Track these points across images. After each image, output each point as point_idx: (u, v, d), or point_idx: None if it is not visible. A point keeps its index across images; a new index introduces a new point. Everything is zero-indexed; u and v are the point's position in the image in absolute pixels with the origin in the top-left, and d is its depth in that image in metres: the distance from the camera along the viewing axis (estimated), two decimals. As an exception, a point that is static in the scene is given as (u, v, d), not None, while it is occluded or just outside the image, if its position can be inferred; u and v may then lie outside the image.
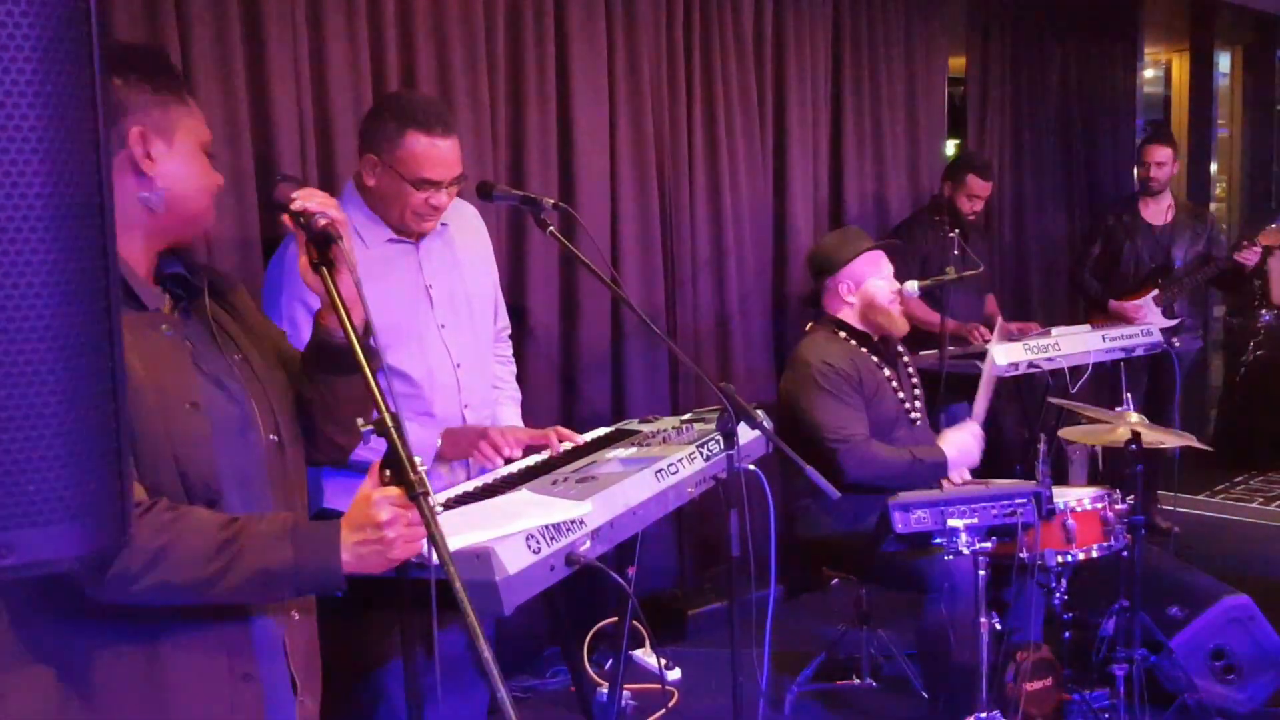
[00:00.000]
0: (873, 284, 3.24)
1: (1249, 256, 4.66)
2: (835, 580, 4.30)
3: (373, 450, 1.45)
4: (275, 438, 1.53)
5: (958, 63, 5.52)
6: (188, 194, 1.48)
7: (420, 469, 1.33)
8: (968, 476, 3.27)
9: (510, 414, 2.71)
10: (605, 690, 3.29)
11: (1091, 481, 4.82)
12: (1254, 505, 5.73)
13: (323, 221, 1.48)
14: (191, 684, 1.40)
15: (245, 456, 1.49)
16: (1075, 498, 2.88)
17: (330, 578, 1.40)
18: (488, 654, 1.21)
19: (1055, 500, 2.77)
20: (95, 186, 0.56)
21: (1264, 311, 6.36)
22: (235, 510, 1.44)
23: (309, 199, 1.51)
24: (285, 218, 1.52)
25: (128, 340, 1.33)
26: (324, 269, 1.48)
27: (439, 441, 2.42)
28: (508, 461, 2.36)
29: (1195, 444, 3.08)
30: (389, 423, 1.34)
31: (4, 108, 0.53)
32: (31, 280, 0.54)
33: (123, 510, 0.59)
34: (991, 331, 4.50)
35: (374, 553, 1.41)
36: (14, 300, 0.54)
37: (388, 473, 1.38)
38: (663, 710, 3.41)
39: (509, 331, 2.82)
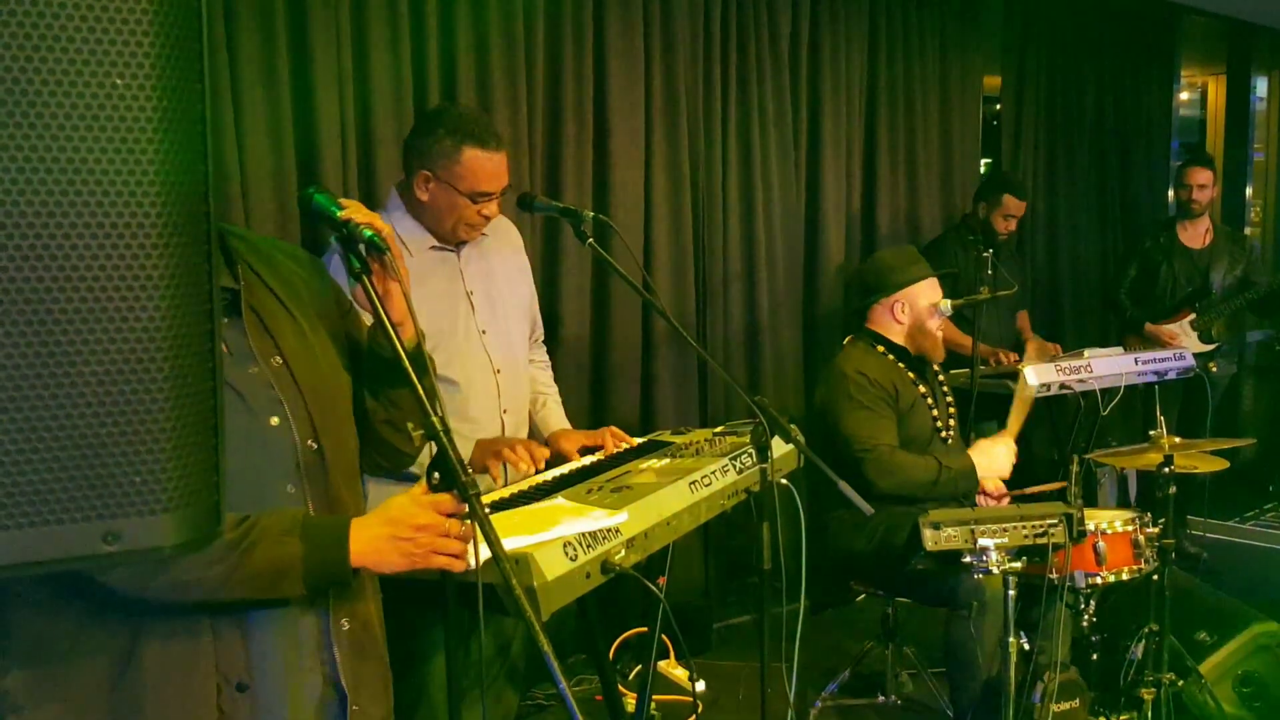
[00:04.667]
0: (924, 308, 3.30)
1: None
2: (861, 595, 4.30)
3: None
4: (314, 445, 1.47)
5: (993, 82, 5.52)
6: None
7: (471, 470, 1.35)
8: (1003, 490, 3.27)
9: (559, 417, 2.76)
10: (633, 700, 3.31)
11: (1120, 504, 4.79)
12: (1283, 532, 5.66)
13: (369, 233, 1.47)
14: (168, 690, 1.36)
15: (263, 463, 1.44)
16: (1106, 520, 2.87)
17: (337, 569, 1.41)
18: (548, 648, 1.24)
19: (1086, 522, 2.77)
20: (203, 193, 0.59)
21: None
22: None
23: (355, 211, 1.50)
24: (332, 231, 1.51)
25: None
26: (366, 280, 1.47)
27: (469, 452, 2.45)
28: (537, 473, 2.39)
29: (1225, 465, 3.08)
30: (438, 427, 1.36)
31: (126, 114, 0.56)
32: (144, 281, 0.57)
33: (217, 503, 0.62)
34: (1018, 351, 4.50)
35: (397, 550, 1.41)
36: (128, 300, 0.57)
37: (436, 476, 1.39)
38: (687, 721, 3.42)
39: (542, 337, 2.86)
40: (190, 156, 0.59)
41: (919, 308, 3.29)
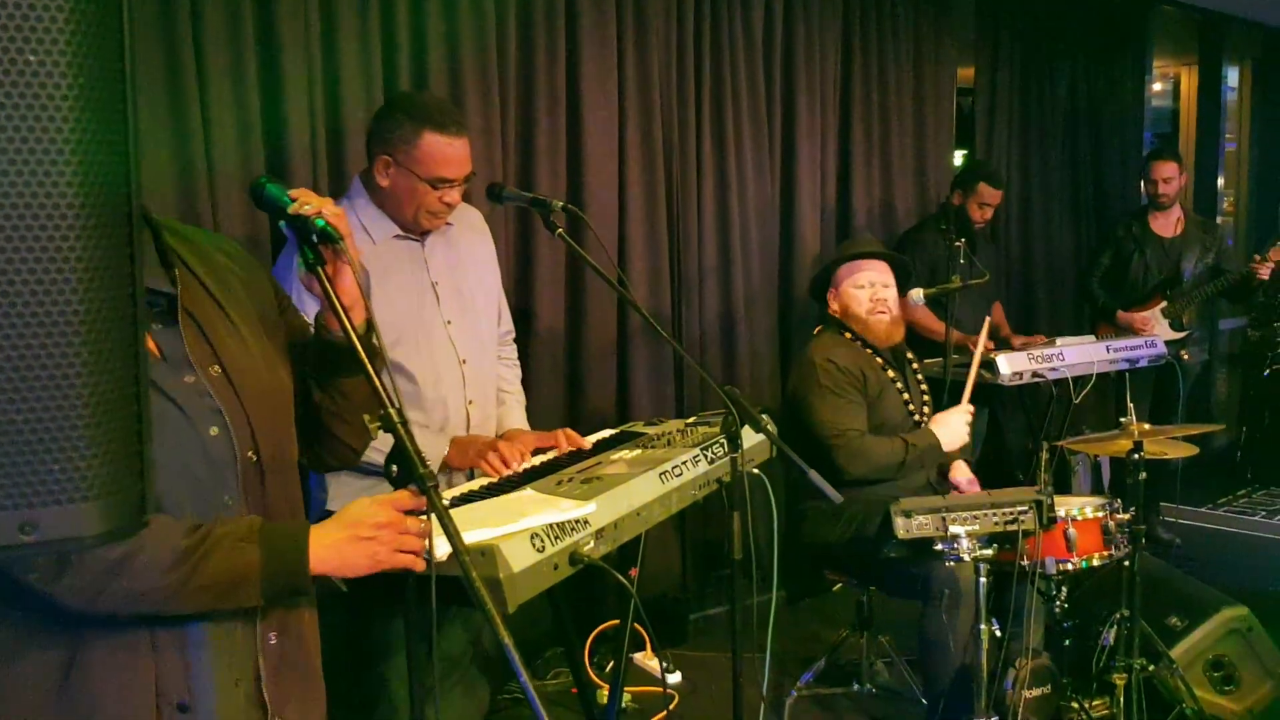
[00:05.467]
0: (848, 291, 3.31)
1: (1262, 271, 4.68)
2: (838, 585, 4.31)
3: (377, 451, 1.44)
4: (254, 456, 1.43)
5: (966, 73, 5.53)
6: None
7: (428, 464, 1.33)
8: (975, 484, 3.29)
9: (516, 417, 2.73)
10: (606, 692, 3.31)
11: (1095, 491, 4.82)
12: (1257, 518, 5.71)
13: (320, 222, 1.44)
14: (108, 711, 1.33)
15: (202, 476, 1.40)
16: (1077, 506, 2.89)
17: (296, 577, 1.38)
18: (509, 642, 1.22)
19: (1057, 509, 2.79)
20: (126, 175, 0.58)
21: None
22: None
23: (306, 199, 1.46)
24: (282, 220, 1.47)
25: None
26: (320, 269, 1.43)
27: (446, 449, 2.43)
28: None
29: (1195, 450, 3.11)
30: (395, 419, 1.35)
31: (39, 101, 0.54)
32: (62, 268, 0.55)
33: (142, 493, 0.60)
34: (994, 341, 4.52)
35: (359, 552, 1.39)
36: (45, 287, 0.56)
37: (394, 468, 1.38)
38: (662, 713, 3.42)
39: (513, 335, 2.84)
40: (111, 139, 0.58)
41: (845, 294, 3.33)
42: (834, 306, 3.37)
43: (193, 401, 1.39)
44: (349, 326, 1.40)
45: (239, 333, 1.47)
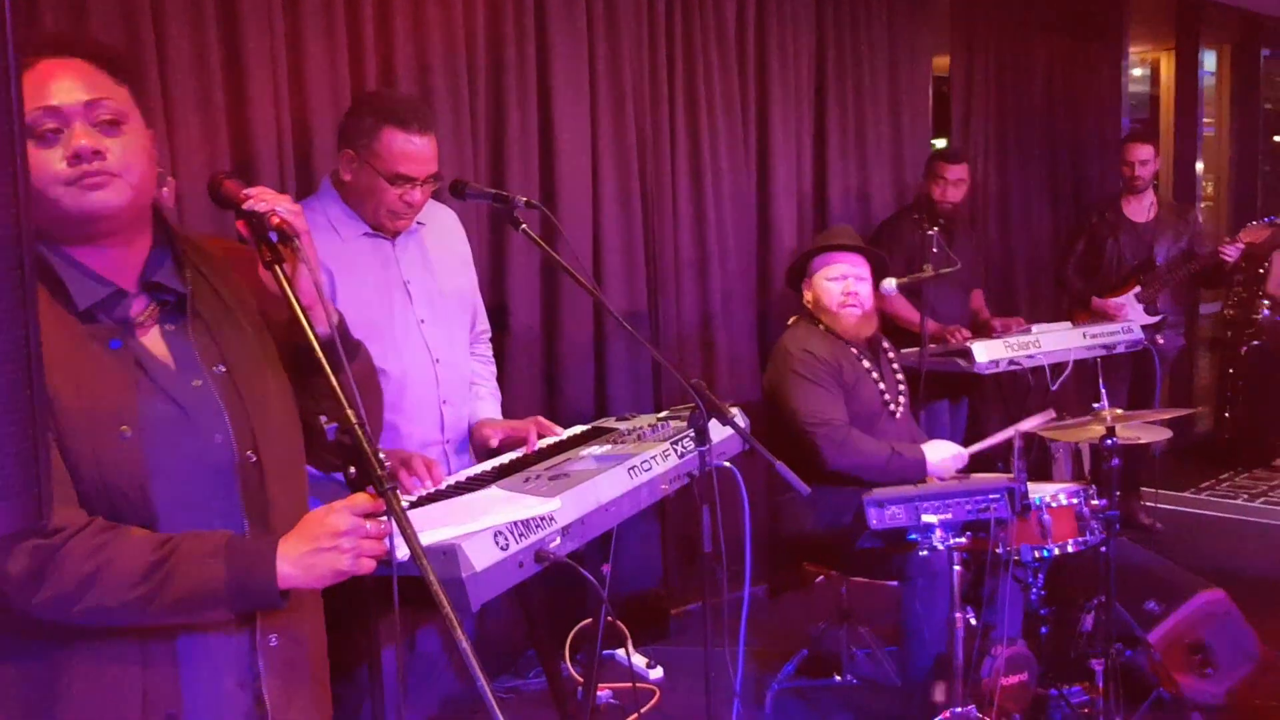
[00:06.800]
0: (820, 283, 3.31)
1: (1231, 252, 4.70)
2: (820, 577, 4.31)
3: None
4: (253, 456, 1.44)
5: (942, 62, 5.53)
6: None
7: (387, 465, 1.32)
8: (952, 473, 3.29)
9: (490, 409, 2.72)
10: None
11: (1076, 479, 4.83)
12: (1238, 502, 5.75)
13: (276, 220, 1.43)
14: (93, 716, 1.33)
15: (202, 480, 1.41)
16: (1050, 493, 2.89)
17: (265, 594, 1.37)
18: (465, 645, 1.21)
19: (1030, 495, 2.79)
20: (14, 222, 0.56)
21: (1265, 306, 6.36)
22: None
23: (261, 196, 1.46)
24: (239, 221, 1.47)
25: (58, 356, 1.31)
26: (278, 268, 1.42)
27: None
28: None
29: (1169, 434, 3.11)
30: (353, 420, 1.33)
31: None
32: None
33: (39, 492, 0.59)
34: (972, 329, 4.52)
35: (324, 563, 1.37)
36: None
37: (352, 470, 1.37)
38: (643, 709, 3.41)
39: (489, 335, 2.82)
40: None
41: (818, 286, 3.33)
42: (807, 297, 3.37)
43: (200, 407, 1.41)
44: (307, 326, 1.39)
45: (245, 333, 1.50)
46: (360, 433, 1.35)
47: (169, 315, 1.45)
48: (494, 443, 2.52)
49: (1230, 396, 6.55)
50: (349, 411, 1.35)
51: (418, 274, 2.48)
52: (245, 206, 1.45)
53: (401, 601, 1.37)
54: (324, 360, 1.38)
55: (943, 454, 3.17)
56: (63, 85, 1.35)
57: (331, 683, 1.67)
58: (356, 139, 2.33)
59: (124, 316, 1.41)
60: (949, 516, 2.61)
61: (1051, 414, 3.24)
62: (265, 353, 1.52)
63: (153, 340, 1.43)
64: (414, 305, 2.45)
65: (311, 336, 1.39)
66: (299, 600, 1.47)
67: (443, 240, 2.59)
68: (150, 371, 1.40)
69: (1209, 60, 7.38)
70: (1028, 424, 3.16)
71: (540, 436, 2.50)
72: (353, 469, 1.39)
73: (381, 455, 1.36)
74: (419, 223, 2.48)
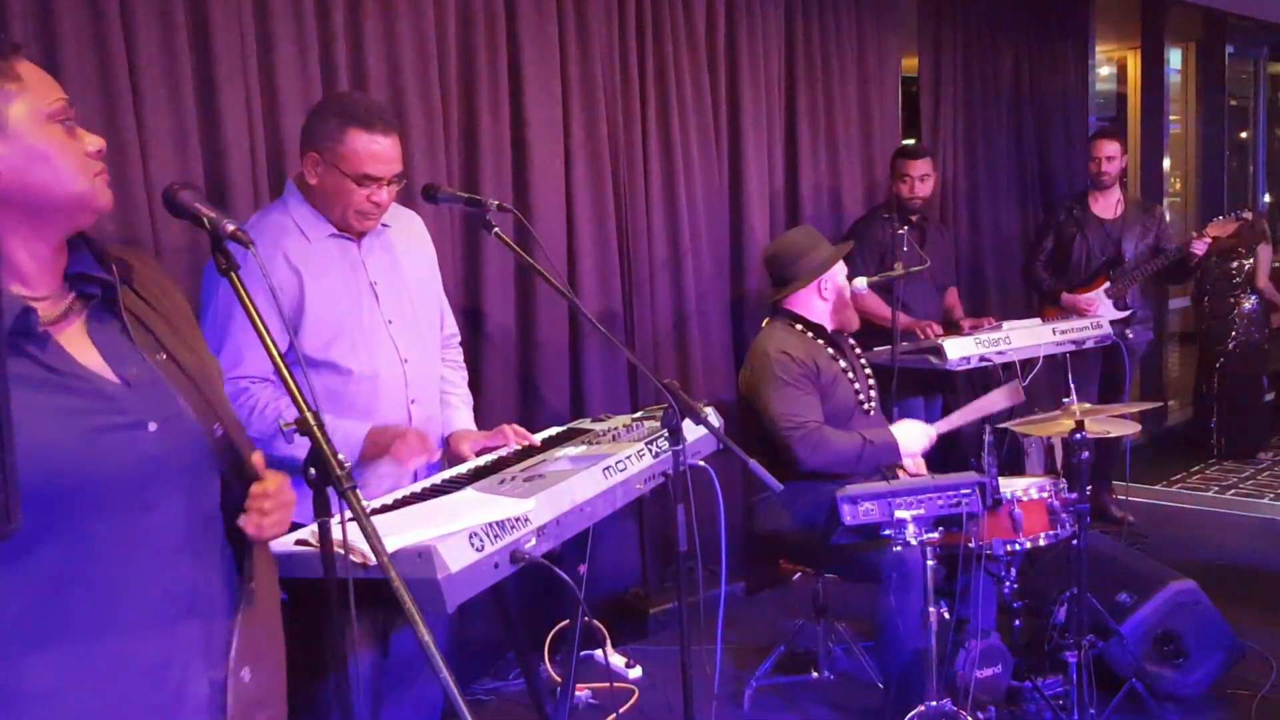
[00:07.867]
0: (840, 281, 3.37)
1: (1198, 248, 4.77)
2: (797, 575, 4.34)
3: (298, 448, 1.44)
4: (220, 430, 1.43)
5: (911, 62, 5.58)
6: (36, 175, 1.31)
7: (346, 464, 1.33)
8: (923, 467, 3.32)
9: (463, 417, 2.72)
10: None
11: (1048, 473, 4.88)
12: (1209, 494, 5.82)
13: (231, 226, 1.45)
14: None
15: (192, 467, 1.40)
16: (1021, 487, 2.92)
17: None
18: (428, 640, 1.22)
19: (1002, 490, 2.82)
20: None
21: (1245, 301, 6.43)
22: (136, 527, 1.34)
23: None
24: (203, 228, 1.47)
25: None
26: (233, 274, 1.45)
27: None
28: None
29: (1137, 428, 3.16)
30: (311, 421, 1.34)
31: None
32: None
33: (5, 500, 0.60)
34: (945, 326, 4.56)
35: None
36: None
37: (313, 471, 1.38)
38: (622, 709, 3.42)
39: (458, 339, 2.82)
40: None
41: (839, 284, 3.35)
42: (823, 297, 3.36)
43: (137, 395, 1.36)
44: (261, 328, 1.40)
45: (172, 324, 1.48)
46: (319, 434, 1.36)
47: (96, 311, 1.40)
48: (469, 458, 2.52)
49: (1207, 392, 6.61)
50: (307, 413, 1.36)
51: (385, 275, 2.48)
52: (205, 211, 1.47)
53: (374, 604, 1.37)
54: (281, 363, 1.40)
55: (913, 433, 3.23)
56: (52, 82, 1.36)
57: (302, 688, 1.67)
58: (321, 141, 2.34)
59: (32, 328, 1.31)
60: (922, 512, 2.64)
61: (1017, 385, 3.30)
62: (194, 338, 1.52)
63: (75, 336, 1.37)
64: (381, 306, 2.45)
65: (268, 341, 1.41)
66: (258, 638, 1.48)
67: (409, 242, 2.60)
68: (64, 370, 1.32)
69: (1174, 58, 7.48)
70: (994, 397, 3.23)
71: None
72: (313, 470, 1.39)
73: (341, 456, 1.36)
74: (385, 224, 2.49)
